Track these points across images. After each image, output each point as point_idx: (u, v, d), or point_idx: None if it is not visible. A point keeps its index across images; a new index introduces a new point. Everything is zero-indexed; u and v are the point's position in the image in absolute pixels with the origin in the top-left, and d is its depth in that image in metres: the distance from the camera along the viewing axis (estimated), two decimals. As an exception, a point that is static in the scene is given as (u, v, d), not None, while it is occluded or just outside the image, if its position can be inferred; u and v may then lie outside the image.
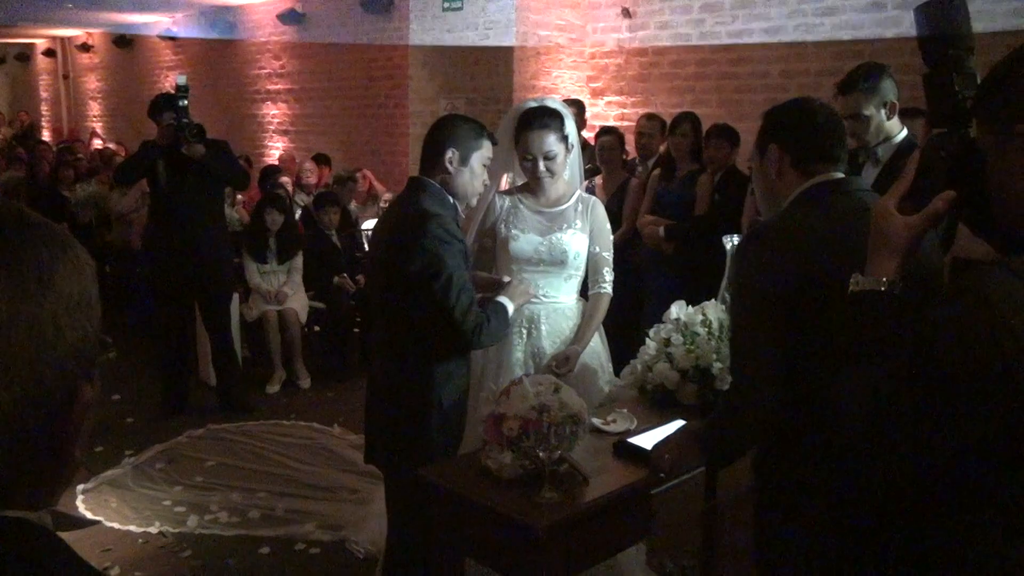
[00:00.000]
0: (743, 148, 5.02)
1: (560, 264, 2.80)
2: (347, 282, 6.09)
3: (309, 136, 9.75)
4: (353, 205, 7.16)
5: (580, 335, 2.75)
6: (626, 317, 4.70)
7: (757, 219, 2.41)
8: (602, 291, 2.82)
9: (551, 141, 2.71)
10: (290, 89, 9.99)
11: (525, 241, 2.80)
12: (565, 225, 2.81)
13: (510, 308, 2.45)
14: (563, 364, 2.63)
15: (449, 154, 2.35)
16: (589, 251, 2.86)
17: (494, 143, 2.46)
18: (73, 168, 8.03)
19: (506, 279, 2.62)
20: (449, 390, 2.33)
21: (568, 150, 2.78)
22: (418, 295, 2.23)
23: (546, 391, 1.93)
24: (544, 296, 2.82)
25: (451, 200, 2.37)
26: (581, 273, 2.88)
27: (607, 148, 5.25)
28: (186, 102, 4.59)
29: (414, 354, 2.32)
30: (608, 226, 2.90)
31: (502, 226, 2.84)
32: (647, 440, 2.13)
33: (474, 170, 2.38)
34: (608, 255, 2.85)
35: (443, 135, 2.37)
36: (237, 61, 10.51)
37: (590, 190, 5.09)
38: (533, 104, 2.78)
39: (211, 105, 10.66)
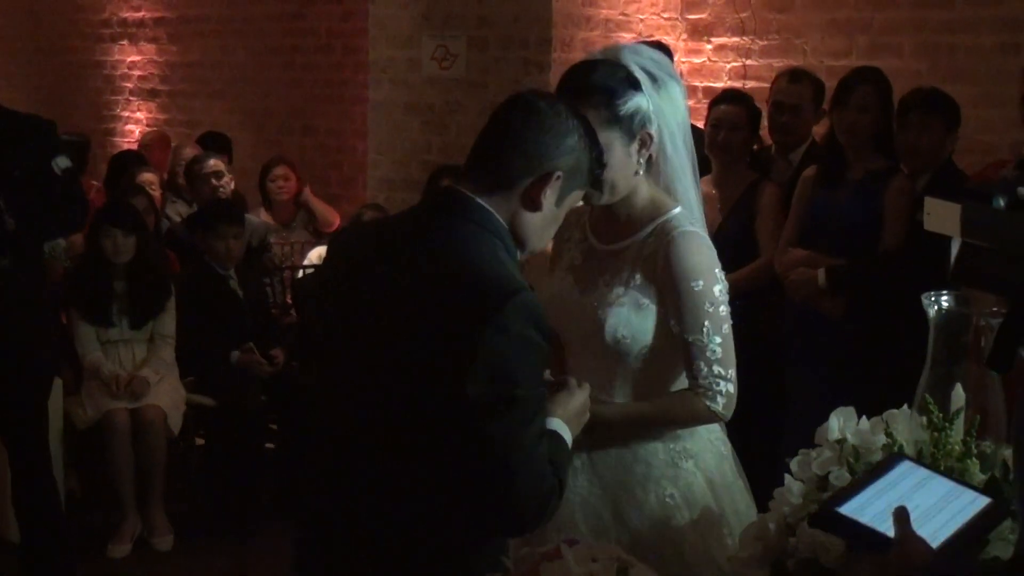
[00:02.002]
0: (967, 129, 5.08)
1: (604, 350, 2.89)
2: (256, 359, 6.18)
3: (194, 101, 9.88)
4: (262, 219, 7.35)
5: (618, 407, 2.89)
6: (754, 433, 4.68)
7: None
8: (695, 393, 2.88)
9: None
10: (161, 19, 10.12)
11: (556, 284, 3.00)
12: (609, 279, 2.90)
13: (568, 438, 2.51)
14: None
15: (555, 180, 2.43)
16: (669, 329, 2.89)
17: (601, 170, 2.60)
18: None
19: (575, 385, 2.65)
20: None
21: (641, 140, 2.85)
22: (466, 430, 2.28)
23: (604, 570, 1.94)
24: (592, 399, 2.90)
25: (513, 248, 2.46)
26: (663, 369, 2.96)
27: (724, 126, 5.31)
28: None
29: (439, 529, 2.39)
30: (701, 284, 2.86)
31: (555, 254, 3.07)
32: None
33: (559, 216, 2.52)
34: (700, 339, 2.86)
35: (550, 142, 2.42)
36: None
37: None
38: (586, 59, 2.89)
39: (25, 46, 10.87)
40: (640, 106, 2.80)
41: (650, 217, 2.90)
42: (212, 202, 6.81)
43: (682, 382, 2.93)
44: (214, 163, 7.38)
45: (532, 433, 2.30)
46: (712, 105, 5.47)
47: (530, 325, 2.29)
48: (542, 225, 2.47)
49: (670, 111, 2.88)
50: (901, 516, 1.99)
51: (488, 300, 2.26)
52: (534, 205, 2.41)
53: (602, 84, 2.77)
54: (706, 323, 2.82)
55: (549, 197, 2.42)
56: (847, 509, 2.13)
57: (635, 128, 2.80)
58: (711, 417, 2.89)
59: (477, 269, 2.32)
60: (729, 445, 3.07)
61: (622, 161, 2.81)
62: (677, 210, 2.90)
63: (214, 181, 7.28)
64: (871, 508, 2.11)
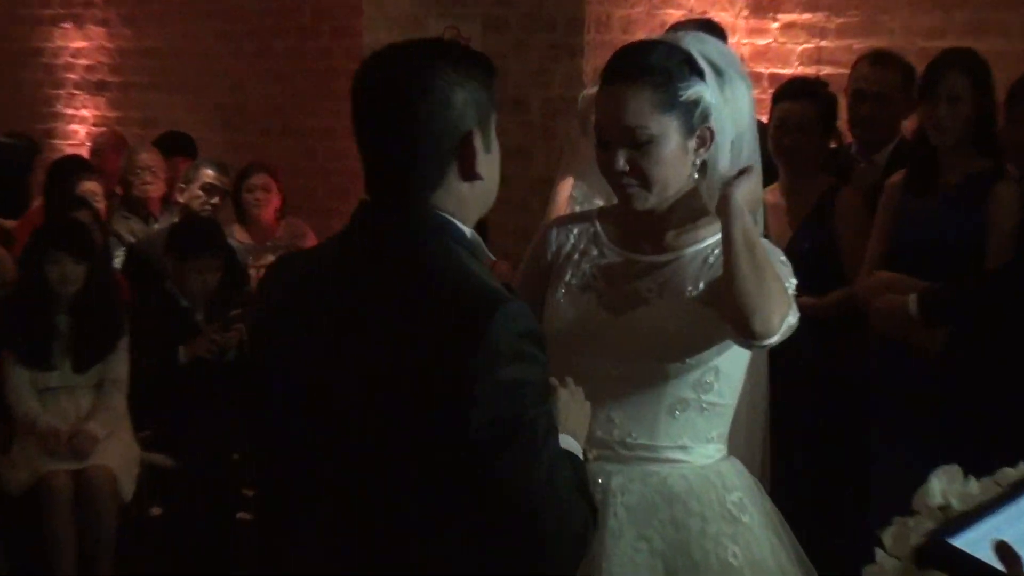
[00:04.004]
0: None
1: (652, 373, 2.96)
2: (207, 341, 6.20)
3: (151, 96, 9.95)
4: (239, 241, 7.34)
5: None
6: (835, 497, 4.73)
7: None
8: None
9: (642, 108, 2.90)
10: (112, -1, 10.29)
11: (572, 308, 3.04)
12: (661, 290, 3.00)
13: (579, 452, 2.59)
14: None
15: (477, 138, 2.51)
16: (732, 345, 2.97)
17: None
18: None
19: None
20: None
21: (700, 137, 2.96)
22: (474, 476, 2.33)
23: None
24: (625, 445, 2.98)
25: (479, 247, 2.56)
26: (722, 402, 3.04)
27: (789, 127, 5.33)
28: None
29: None
30: (793, 284, 2.99)
31: (554, 279, 3.12)
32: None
33: (497, 154, 2.61)
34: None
35: (446, 113, 2.48)
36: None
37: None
38: (640, 40, 3.04)
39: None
40: (703, 96, 2.92)
41: (708, 229, 3.02)
42: (190, 223, 6.84)
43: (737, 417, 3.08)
44: (212, 174, 7.39)
45: (548, 458, 2.35)
46: (775, 100, 5.47)
47: (524, 338, 2.36)
48: (492, 178, 2.56)
49: (732, 112, 2.99)
50: (1006, 554, 2.01)
51: (470, 321, 2.33)
52: (475, 175, 2.50)
53: (660, 64, 2.90)
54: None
55: (482, 154, 2.51)
56: (963, 540, 2.14)
57: (695, 121, 2.92)
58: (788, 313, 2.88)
59: (450, 288, 2.40)
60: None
61: (677, 156, 2.92)
62: None
63: (204, 196, 7.29)
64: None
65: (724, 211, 2.85)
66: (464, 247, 2.48)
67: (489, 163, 2.55)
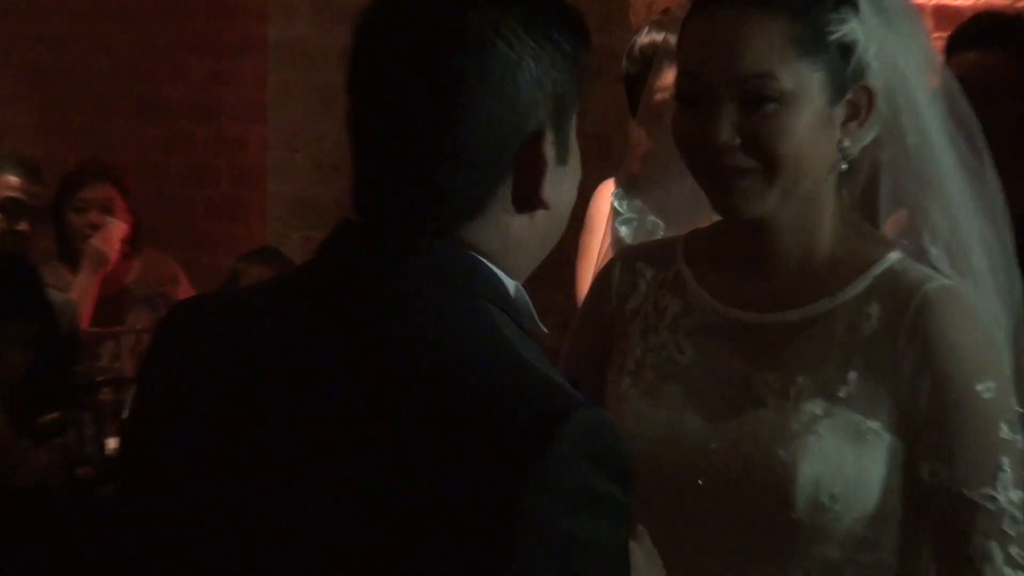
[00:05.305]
0: None
1: (777, 523, 2.86)
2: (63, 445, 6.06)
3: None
4: (61, 287, 7.04)
5: None
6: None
7: None
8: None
9: (770, 47, 2.85)
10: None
11: (644, 408, 3.01)
12: (786, 383, 2.90)
13: None
14: None
15: (548, 143, 2.36)
16: (908, 474, 2.87)
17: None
18: None
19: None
20: None
21: (853, 103, 2.87)
22: None
23: None
24: None
25: (511, 287, 2.47)
26: (888, 561, 2.94)
27: (974, 88, 5.53)
28: None
29: None
30: (992, 388, 2.85)
31: (616, 355, 3.08)
32: None
33: (572, 169, 2.51)
34: (991, 494, 2.86)
35: (512, 77, 2.34)
36: None
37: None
38: None
39: None
40: (857, 38, 2.87)
41: (862, 262, 2.93)
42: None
43: None
44: (15, 182, 7.29)
45: None
46: (949, 50, 5.39)
47: (597, 469, 2.20)
48: (563, 206, 2.48)
49: (908, 63, 2.97)
50: None
51: (520, 441, 2.18)
52: (538, 200, 2.40)
53: None
54: (1003, 463, 2.84)
55: (552, 167, 2.40)
56: None
57: (847, 76, 2.86)
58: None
59: (487, 380, 2.26)
60: None
61: (818, 130, 2.83)
62: (898, 255, 2.93)
63: (2, 218, 7.24)
64: None
65: None
66: (506, 311, 2.37)
67: (561, 181, 2.42)
